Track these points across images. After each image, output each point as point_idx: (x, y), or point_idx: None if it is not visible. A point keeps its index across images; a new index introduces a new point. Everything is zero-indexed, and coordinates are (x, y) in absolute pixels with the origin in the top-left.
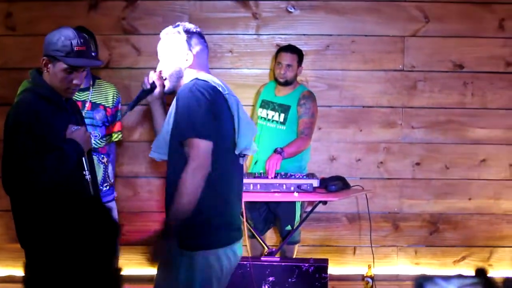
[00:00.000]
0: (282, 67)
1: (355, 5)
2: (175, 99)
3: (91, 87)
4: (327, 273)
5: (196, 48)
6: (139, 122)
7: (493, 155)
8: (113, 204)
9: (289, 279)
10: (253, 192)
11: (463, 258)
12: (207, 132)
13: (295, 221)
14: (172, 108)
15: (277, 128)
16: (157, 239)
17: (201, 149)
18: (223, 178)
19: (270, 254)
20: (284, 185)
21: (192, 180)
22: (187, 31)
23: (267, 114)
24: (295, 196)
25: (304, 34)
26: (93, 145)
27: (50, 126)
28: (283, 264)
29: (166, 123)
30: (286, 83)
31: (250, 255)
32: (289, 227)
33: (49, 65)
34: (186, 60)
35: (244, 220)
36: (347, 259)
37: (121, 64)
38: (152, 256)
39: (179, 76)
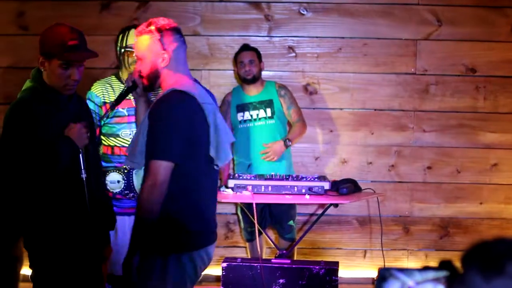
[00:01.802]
0: (246, 65)
1: (368, 8)
2: (148, 112)
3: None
4: (337, 276)
5: (172, 46)
6: None
7: (505, 159)
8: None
9: (300, 282)
10: (264, 194)
11: None
12: (169, 154)
13: (295, 218)
14: (145, 119)
15: (266, 123)
16: (125, 259)
17: (158, 169)
18: (196, 187)
19: (281, 256)
20: (295, 187)
21: (148, 197)
22: (160, 29)
23: (251, 115)
24: (307, 199)
25: (316, 37)
26: None
27: (46, 126)
28: (294, 266)
29: (140, 133)
30: (254, 79)
31: (249, 257)
32: (291, 222)
33: (45, 63)
34: (162, 60)
35: (256, 222)
36: (358, 262)
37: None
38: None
39: (156, 76)
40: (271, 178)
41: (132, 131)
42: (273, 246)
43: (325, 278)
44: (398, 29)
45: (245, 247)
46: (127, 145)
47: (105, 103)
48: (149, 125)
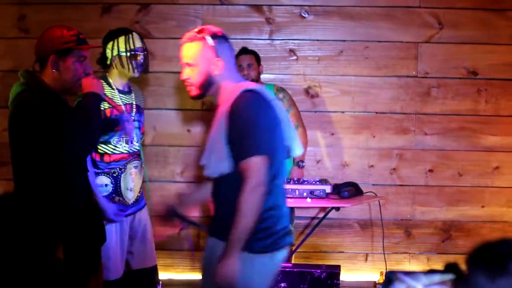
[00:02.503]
0: (244, 68)
1: (369, 11)
2: (228, 116)
3: (132, 90)
4: (339, 280)
5: (225, 52)
6: (151, 126)
7: (506, 162)
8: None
9: (301, 285)
10: None
11: None
12: (263, 148)
13: (293, 222)
14: (221, 123)
15: None
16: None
17: (258, 166)
18: (279, 185)
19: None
20: (297, 191)
21: (252, 199)
22: (214, 36)
23: None
24: (308, 202)
25: (317, 40)
26: (138, 148)
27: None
28: (295, 270)
29: (216, 141)
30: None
31: None
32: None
33: (59, 62)
34: (216, 67)
35: None
36: (359, 265)
37: None
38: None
39: (210, 83)
40: None
41: (122, 137)
42: None
43: (327, 282)
44: (399, 32)
45: None
46: (117, 152)
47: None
48: (232, 128)
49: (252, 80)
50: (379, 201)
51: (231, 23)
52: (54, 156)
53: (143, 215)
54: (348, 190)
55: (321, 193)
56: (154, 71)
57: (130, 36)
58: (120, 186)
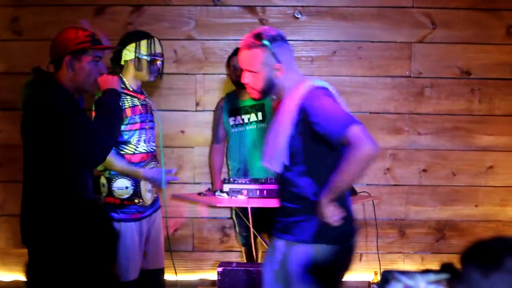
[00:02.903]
0: (238, 70)
1: (362, 11)
2: (299, 111)
3: (143, 92)
4: None
5: (284, 55)
6: None
7: (500, 162)
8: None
9: None
10: (259, 198)
11: None
12: (353, 119)
13: None
14: (288, 121)
15: (258, 127)
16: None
17: (359, 133)
18: None
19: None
20: None
21: (361, 165)
22: (272, 40)
23: (243, 119)
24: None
25: (310, 40)
26: (153, 149)
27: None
28: None
29: (278, 133)
30: None
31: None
32: None
33: (74, 62)
34: (278, 71)
35: (251, 226)
36: (353, 265)
37: None
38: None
39: (271, 87)
40: (266, 182)
41: (141, 137)
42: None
43: None
44: (392, 32)
45: (241, 251)
46: (137, 152)
47: None
48: (313, 114)
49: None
50: (372, 201)
51: (225, 24)
52: (78, 158)
53: (158, 216)
54: None
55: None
56: None
57: (152, 40)
58: (140, 188)
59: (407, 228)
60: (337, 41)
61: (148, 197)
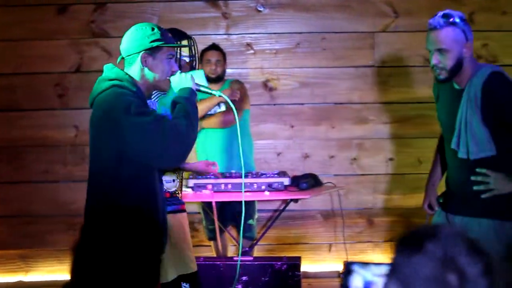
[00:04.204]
0: (212, 64)
1: (324, 2)
2: (484, 98)
3: None
4: (300, 271)
5: (471, 36)
6: None
7: None
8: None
9: (262, 278)
10: (224, 192)
11: None
12: None
13: (256, 215)
14: (473, 106)
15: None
16: None
17: None
18: None
19: (244, 253)
20: (255, 184)
21: None
22: (462, 19)
23: (209, 112)
24: (266, 195)
25: (274, 33)
26: None
27: None
28: (256, 263)
29: (464, 121)
30: (218, 78)
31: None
32: (251, 221)
33: (149, 59)
34: (467, 50)
35: (216, 220)
36: (323, 256)
37: (92, 68)
38: None
39: (459, 66)
40: (230, 176)
41: None
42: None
43: (288, 274)
44: (355, 22)
45: (211, 245)
46: None
47: None
48: (497, 107)
49: (218, 77)
50: (338, 191)
51: (188, 19)
52: (158, 158)
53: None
54: (306, 182)
55: (280, 186)
56: None
57: (193, 42)
58: (181, 183)
59: (376, 217)
60: (301, 33)
61: (182, 192)
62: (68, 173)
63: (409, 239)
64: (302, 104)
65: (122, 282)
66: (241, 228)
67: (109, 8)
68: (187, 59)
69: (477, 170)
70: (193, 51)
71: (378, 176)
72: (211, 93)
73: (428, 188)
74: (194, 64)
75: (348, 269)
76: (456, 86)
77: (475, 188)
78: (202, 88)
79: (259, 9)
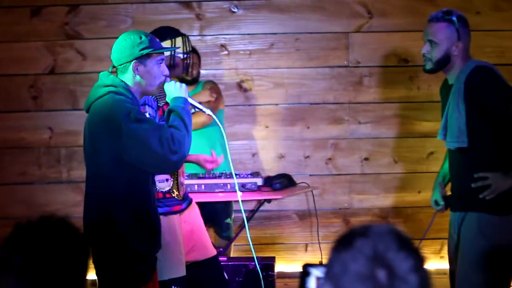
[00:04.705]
0: (189, 65)
1: (298, 3)
2: (466, 91)
3: None
4: (274, 271)
5: (465, 37)
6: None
7: (441, 147)
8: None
9: (236, 278)
10: (197, 192)
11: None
12: None
13: (232, 215)
14: (459, 100)
15: None
16: None
17: None
18: None
19: (218, 254)
20: (228, 185)
21: None
22: (459, 19)
23: None
24: (239, 196)
25: (248, 34)
26: None
27: None
28: (230, 263)
29: (455, 111)
30: (194, 81)
31: None
32: (228, 220)
33: (140, 67)
34: (456, 49)
35: None
36: (299, 256)
37: (66, 70)
38: None
39: (446, 62)
40: (204, 176)
41: None
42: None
43: (262, 274)
44: (329, 23)
45: None
46: None
47: (159, 107)
48: (477, 99)
49: (193, 79)
50: (312, 191)
51: (162, 20)
52: (155, 165)
53: (194, 208)
54: (280, 182)
55: (253, 186)
56: (87, 71)
57: (186, 38)
58: (178, 180)
59: (352, 217)
60: (275, 33)
61: (181, 190)
62: (43, 175)
63: (342, 237)
64: (277, 104)
65: (117, 278)
66: (246, 227)
67: (83, 10)
68: (182, 56)
69: (475, 176)
70: (187, 48)
71: (354, 176)
72: (200, 109)
73: (436, 184)
74: (188, 61)
75: (305, 270)
76: (450, 82)
77: (473, 185)
78: (193, 103)
79: (233, 10)
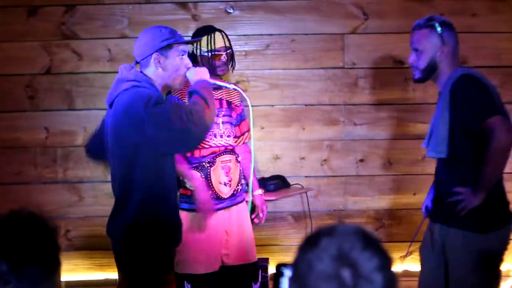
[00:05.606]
0: None
1: (294, 4)
2: (451, 98)
3: (221, 87)
4: (267, 272)
5: (451, 40)
6: (81, 127)
7: None
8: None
9: None
10: None
11: (410, 253)
12: (498, 110)
13: None
14: (444, 108)
15: None
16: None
17: (501, 123)
18: None
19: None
20: None
21: (503, 156)
22: (442, 24)
23: None
24: None
25: (244, 35)
26: (230, 142)
27: None
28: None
29: (435, 122)
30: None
31: None
32: None
33: (161, 59)
34: (441, 54)
35: None
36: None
37: (62, 70)
38: None
39: (433, 68)
40: None
41: (211, 131)
42: None
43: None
44: (325, 24)
45: None
46: (206, 146)
47: None
48: (457, 106)
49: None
50: (306, 193)
51: (158, 21)
52: (175, 142)
53: (241, 210)
54: (274, 183)
55: (246, 187)
56: (83, 71)
57: (212, 36)
58: (211, 180)
59: (347, 219)
60: (271, 34)
61: (224, 190)
62: (39, 175)
63: (309, 237)
64: (272, 105)
65: (138, 269)
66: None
67: (79, 10)
68: (209, 54)
69: (452, 190)
70: (211, 47)
71: (349, 178)
72: (225, 86)
73: (430, 188)
74: (222, 57)
75: (279, 270)
76: (439, 89)
77: (448, 199)
78: (216, 82)
79: (229, 11)
